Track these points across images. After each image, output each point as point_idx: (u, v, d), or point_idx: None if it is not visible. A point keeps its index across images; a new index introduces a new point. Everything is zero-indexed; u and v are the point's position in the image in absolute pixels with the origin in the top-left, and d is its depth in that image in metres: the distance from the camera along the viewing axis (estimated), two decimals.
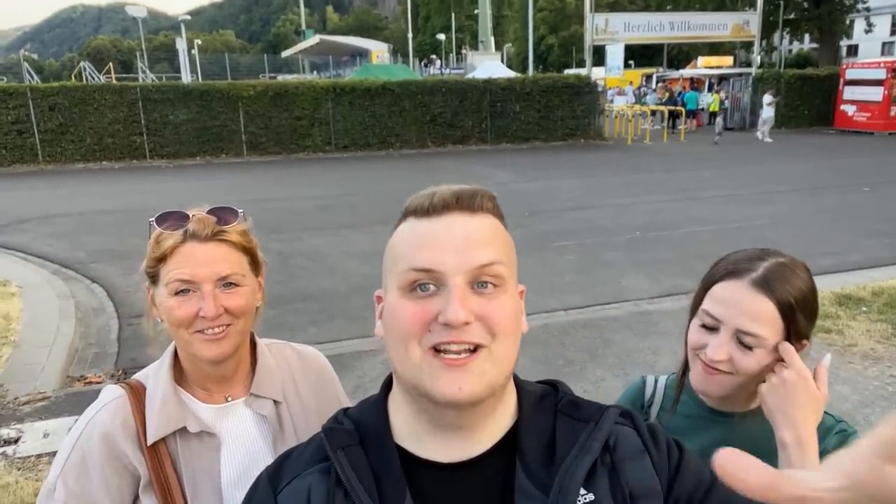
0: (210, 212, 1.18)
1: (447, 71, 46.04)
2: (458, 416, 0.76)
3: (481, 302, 0.74)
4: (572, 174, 14.70)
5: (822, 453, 1.17)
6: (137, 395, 1.17)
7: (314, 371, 1.37)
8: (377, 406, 0.85)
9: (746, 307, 1.13)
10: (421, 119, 20.23)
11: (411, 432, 0.81)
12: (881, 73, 22.22)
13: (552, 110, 21.10)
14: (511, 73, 28.61)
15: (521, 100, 20.87)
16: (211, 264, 1.13)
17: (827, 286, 6.25)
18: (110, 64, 41.73)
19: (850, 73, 23.54)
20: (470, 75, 28.05)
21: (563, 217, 10.01)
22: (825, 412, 1.22)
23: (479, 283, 0.75)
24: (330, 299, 6.35)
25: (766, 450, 1.21)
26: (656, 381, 1.41)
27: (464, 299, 0.73)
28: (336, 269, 7.38)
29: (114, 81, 26.98)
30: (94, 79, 34.11)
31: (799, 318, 1.14)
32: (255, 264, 1.23)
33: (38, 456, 3.61)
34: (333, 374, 1.42)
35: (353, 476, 0.76)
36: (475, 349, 0.74)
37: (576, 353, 4.91)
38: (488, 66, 31.11)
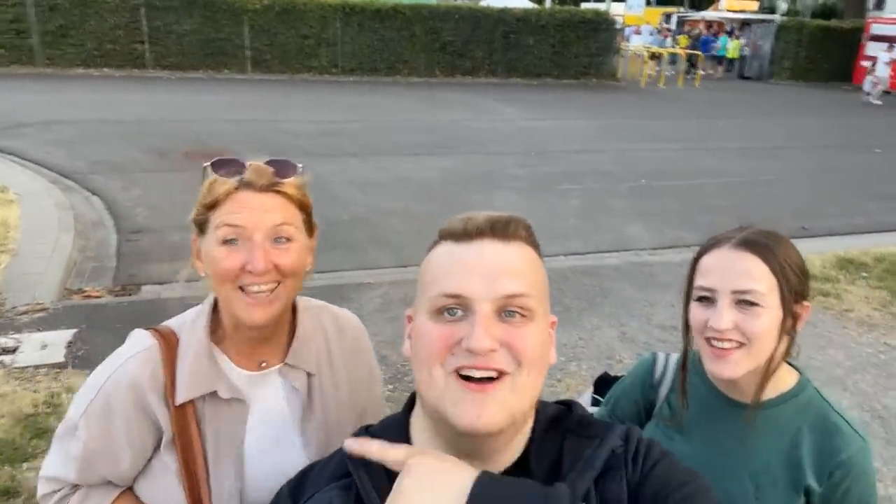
0: (268, 163, 1.11)
1: None
2: (475, 444, 0.76)
3: (507, 329, 0.74)
4: (582, 115, 14.43)
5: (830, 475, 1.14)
6: (170, 345, 1.13)
7: (350, 340, 1.31)
8: (399, 424, 0.86)
9: (736, 267, 1.14)
10: (431, 46, 19.65)
11: None
12: None
13: (567, 46, 20.50)
14: (527, 3, 27.61)
15: (535, 33, 20.22)
16: (264, 213, 1.06)
17: (829, 248, 6.24)
18: None
19: (875, 28, 22.80)
20: (484, 3, 27.07)
21: (569, 159, 9.87)
22: (840, 415, 1.19)
23: (507, 311, 0.75)
24: (331, 228, 6.30)
25: (785, 442, 1.19)
26: (667, 359, 1.37)
27: (489, 326, 0.73)
28: (338, 197, 7.30)
29: None
30: None
31: (789, 274, 1.14)
32: (309, 223, 1.16)
33: (37, 367, 3.65)
34: (368, 343, 1.36)
35: (374, 495, 0.76)
36: (498, 376, 0.73)
37: (573, 300, 4.92)
38: None
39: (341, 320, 1.32)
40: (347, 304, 4.65)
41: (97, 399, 1.11)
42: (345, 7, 18.88)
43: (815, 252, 6.10)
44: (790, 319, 1.16)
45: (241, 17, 17.89)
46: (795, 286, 1.16)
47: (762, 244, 1.15)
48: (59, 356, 3.77)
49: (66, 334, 4.02)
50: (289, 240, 1.09)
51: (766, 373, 1.18)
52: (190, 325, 1.16)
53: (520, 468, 0.80)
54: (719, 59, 24.66)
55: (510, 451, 0.81)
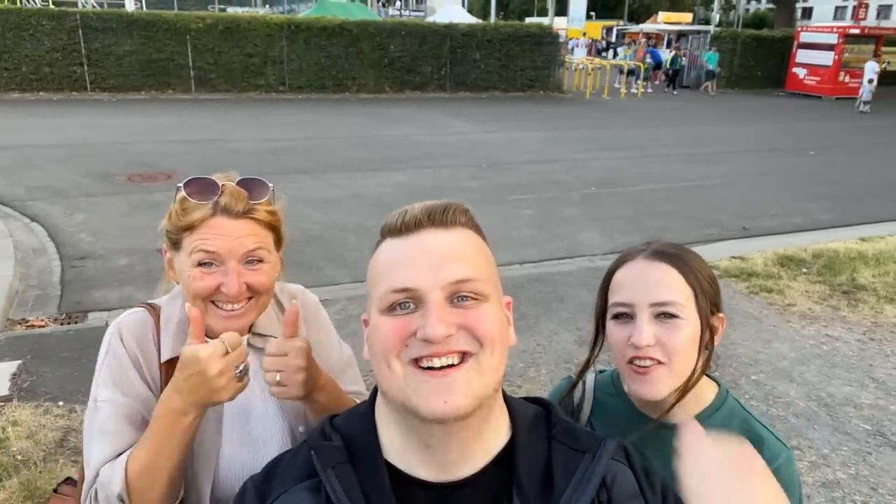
0: (240, 183, 1.15)
1: (407, 13, 44.75)
2: (445, 433, 0.75)
3: (462, 313, 0.74)
4: (531, 126, 14.66)
5: None
6: (156, 314, 1.20)
7: (304, 306, 1.37)
8: (366, 418, 0.84)
9: (652, 278, 1.12)
10: (379, 62, 19.70)
11: (400, 449, 0.80)
12: (833, 38, 22.68)
13: (513, 60, 20.83)
14: (472, 19, 28.02)
15: (481, 47, 20.49)
16: (238, 239, 1.12)
17: (770, 247, 6.49)
18: None
19: (804, 37, 23.92)
20: (430, 18, 27.36)
21: (520, 170, 10.01)
22: (763, 425, 1.18)
23: (459, 296, 0.75)
24: (285, 247, 6.23)
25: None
26: (584, 383, 1.32)
27: (441, 314, 0.72)
28: (290, 216, 7.09)
29: (51, 6, 25.25)
30: (28, 2, 31.86)
31: (703, 283, 1.13)
32: (278, 240, 1.24)
33: None
34: (323, 310, 1.44)
35: (343, 497, 0.75)
36: (462, 359, 0.73)
37: (530, 307, 4.99)
38: (449, 9, 30.32)
39: (293, 289, 1.42)
40: None
41: (108, 358, 1.15)
42: (290, 25, 18.79)
43: (756, 250, 6.34)
44: (708, 332, 1.14)
45: (184, 37, 17.61)
46: (710, 295, 1.14)
47: (674, 254, 1.14)
48: (2, 389, 3.62)
49: (10, 366, 3.86)
50: (260, 261, 1.15)
51: (685, 389, 1.14)
52: (168, 302, 1.23)
53: (501, 469, 0.79)
54: (711, 75, 23.44)
55: (483, 446, 0.79)
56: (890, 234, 7.01)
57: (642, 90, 22.81)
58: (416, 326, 0.73)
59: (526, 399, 0.90)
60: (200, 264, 1.10)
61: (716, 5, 26.90)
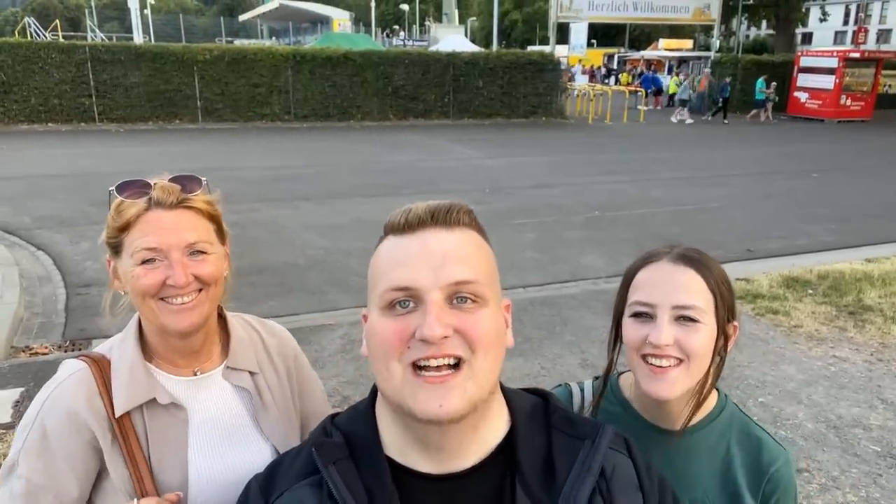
0: (173, 180, 1.14)
1: (410, 43, 45.44)
2: (440, 434, 0.76)
3: (459, 316, 0.74)
4: (534, 152, 14.75)
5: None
6: (101, 367, 1.12)
7: (282, 339, 1.35)
8: (366, 415, 0.85)
9: (675, 281, 1.12)
10: (383, 91, 19.95)
11: (399, 444, 0.81)
12: (833, 62, 22.86)
13: (515, 87, 21.07)
14: (475, 48, 28.40)
15: (484, 75, 20.75)
16: (178, 231, 1.08)
17: (775, 269, 6.47)
18: (56, 21, 39.78)
19: (805, 61, 24.12)
20: (433, 48, 27.74)
21: (523, 194, 10.05)
22: (761, 427, 1.22)
23: (458, 297, 0.75)
24: (288, 272, 6.26)
25: (717, 464, 1.18)
26: (582, 391, 1.31)
27: (440, 314, 0.73)
28: (294, 241, 7.27)
29: (60, 40, 25.75)
30: (39, 36, 32.49)
31: (723, 290, 1.14)
32: (220, 232, 1.19)
33: None
34: (296, 344, 1.40)
35: (345, 492, 0.76)
36: (457, 365, 0.74)
37: (534, 330, 4.97)
38: (452, 39, 30.80)
39: (268, 323, 1.37)
40: (307, 346, 4.61)
41: (32, 432, 1.08)
42: (295, 55, 19.09)
43: (761, 272, 6.32)
44: (722, 338, 1.15)
45: (191, 68, 17.90)
46: (729, 303, 1.16)
47: (697, 260, 1.15)
48: (5, 416, 3.61)
49: (13, 393, 3.86)
50: (203, 252, 1.12)
51: (700, 396, 1.15)
52: (119, 345, 1.17)
53: (502, 460, 0.80)
54: (761, 104, 22.97)
55: (481, 440, 0.81)
56: (895, 255, 6.98)
57: (690, 119, 22.30)
58: (415, 326, 0.73)
59: (524, 390, 0.91)
60: (144, 262, 1.07)
61: (716, 31, 27.16)
